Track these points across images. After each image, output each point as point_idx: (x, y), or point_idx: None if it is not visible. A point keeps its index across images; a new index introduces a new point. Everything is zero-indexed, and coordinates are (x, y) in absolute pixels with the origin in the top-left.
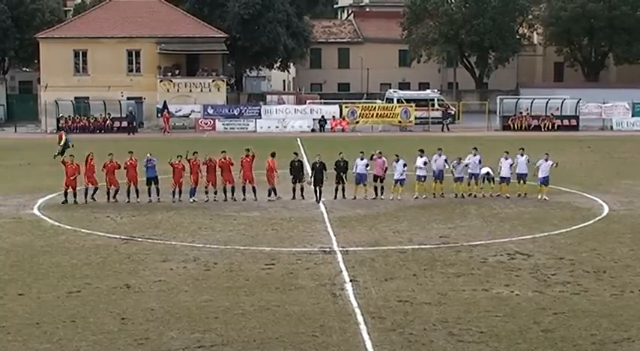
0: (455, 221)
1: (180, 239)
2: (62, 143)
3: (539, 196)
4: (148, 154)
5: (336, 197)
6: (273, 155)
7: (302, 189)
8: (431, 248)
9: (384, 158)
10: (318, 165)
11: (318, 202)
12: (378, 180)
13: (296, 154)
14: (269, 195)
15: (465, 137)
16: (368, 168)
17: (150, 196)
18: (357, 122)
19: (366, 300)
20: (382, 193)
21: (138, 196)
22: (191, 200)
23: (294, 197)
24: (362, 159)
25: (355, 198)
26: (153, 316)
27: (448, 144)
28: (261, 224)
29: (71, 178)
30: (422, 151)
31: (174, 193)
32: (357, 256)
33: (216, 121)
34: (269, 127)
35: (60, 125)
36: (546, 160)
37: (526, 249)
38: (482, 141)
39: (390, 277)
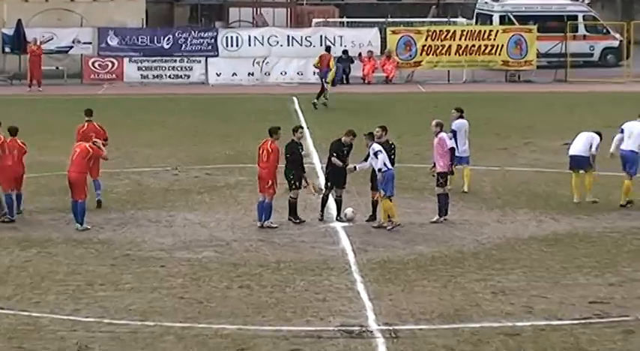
0: (621, 270)
1: (49, 307)
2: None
3: None
4: None
5: (373, 218)
6: (272, 133)
7: (292, 199)
8: (573, 326)
9: (444, 135)
10: (347, 151)
11: (322, 220)
12: (440, 179)
13: (300, 128)
14: (261, 219)
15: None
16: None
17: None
18: (418, 64)
19: None
20: (446, 212)
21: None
22: (79, 227)
23: (290, 217)
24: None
25: (376, 223)
26: None
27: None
28: (219, 276)
29: None
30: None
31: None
32: (418, 344)
33: (125, 62)
34: (233, 76)
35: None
36: None
37: None
38: None
39: None
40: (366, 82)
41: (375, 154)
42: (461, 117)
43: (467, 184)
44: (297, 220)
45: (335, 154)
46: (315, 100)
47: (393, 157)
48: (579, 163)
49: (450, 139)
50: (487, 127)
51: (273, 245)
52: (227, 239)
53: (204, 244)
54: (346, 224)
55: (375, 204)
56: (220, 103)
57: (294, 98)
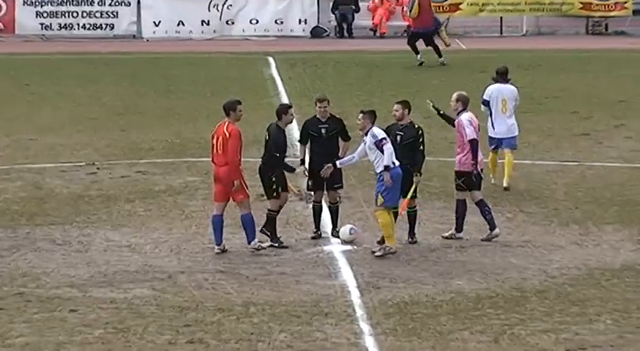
0: None
1: None
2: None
3: None
4: None
5: (413, 241)
6: (228, 111)
7: (269, 216)
8: None
9: (465, 118)
10: (325, 129)
11: (318, 234)
12: (457, 179)
13: (289, 107)
14: (219, 241)
15: None
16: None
17: None
18: (456, 8)
19: None
20: (494, 228)
21: None
22: None
23: (268, 230)
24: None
25: (379, 249)
26: None
27: None
28: (158, 326)
29: None
30: None
31: None
32: None
33: (18, 5)
34: (179, 26)
35: None
36: None
37: None
38: None
39: None
40: (377, 34)
41: (379, 144)
42: (502, 80)
43: (507, 176)
44: (277, 243)
45: (300, 138)
46: (441, 58)
47: (422, 147)
48: None
49: (471, 124)
50: (559, 103)
51: (239, 279)
52: (170, 270)
53: (135, 278)
54: (348, 248)
55: (412, 219)
56: (160, 66)
57: (270, 59)
